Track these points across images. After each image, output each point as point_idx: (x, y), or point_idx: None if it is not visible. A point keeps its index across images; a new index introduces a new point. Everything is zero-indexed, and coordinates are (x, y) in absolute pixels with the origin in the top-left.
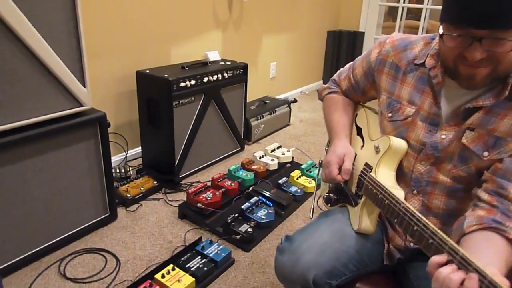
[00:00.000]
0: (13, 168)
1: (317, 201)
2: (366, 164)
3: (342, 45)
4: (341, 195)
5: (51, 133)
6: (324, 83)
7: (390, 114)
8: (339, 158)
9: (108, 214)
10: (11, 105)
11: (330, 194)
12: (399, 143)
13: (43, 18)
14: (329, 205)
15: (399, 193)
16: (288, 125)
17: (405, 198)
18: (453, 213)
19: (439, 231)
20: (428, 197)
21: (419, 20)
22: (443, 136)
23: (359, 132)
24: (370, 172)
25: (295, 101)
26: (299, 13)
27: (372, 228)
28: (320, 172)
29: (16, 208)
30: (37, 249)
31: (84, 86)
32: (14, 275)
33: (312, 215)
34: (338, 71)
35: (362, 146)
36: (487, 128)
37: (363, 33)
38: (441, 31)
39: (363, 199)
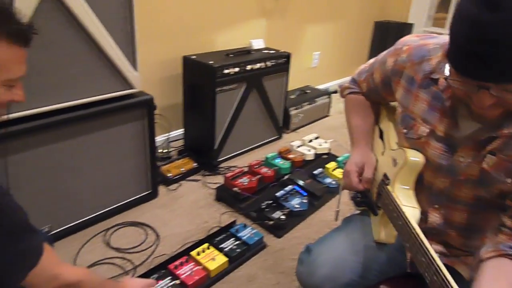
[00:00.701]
0: (68, 144)
1: (342, 202)
2: (385, 175)
3: (389, 37)
4: (364, 198)
5: (103, 113)
6: None
7: (405, 130)
8: (359, 167)
9: (150, 191)
10: (69, 85)
11: (357, 194)
12: (415, 159)
13: (101, 4)
14: (355, 205)
15: (413, 212)
16: (327, 116)
17: (426, 211)
18: (476, 228)
19: (443, 268)
20: (449, 211)
21: None
22: (461, 159)
23: (381, 135)
24: (388, 185)
25: (335, 92)
26: (347, 1)
27: (392, 239)
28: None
29: (69, 180)
30: (86, 218)
31: (135, 70)
32: (65, 240)
33: (337, 218)
34: (358, 70)
35: (383, 152)
36: (510, 154)
37: (411, 25)
38: (447, 71)
39: (382, 210)
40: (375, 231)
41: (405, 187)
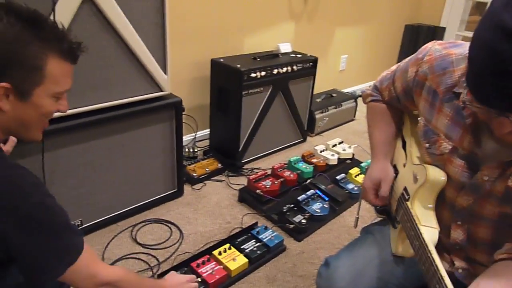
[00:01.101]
0: (100, 142)
1: (362, 207)
2: (405, 189)
3: (420, 41)
4: (383, 209)
5: (134, 114)
6: None
7: (427, 145)
8: (375, 184)
9: (176, 190)
10: (104, 87)
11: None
12: (437, 177)
13: (135, 10)
14: (375, 211)
15: (431, 233)
16: (352, 120)
17: (449, 227)
18: (501, 245)
19: None
20: (473, 227)
21: None
22: (485, 178)
23: (404, 145)
24: (407, 201)
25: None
26: (377, 4)
27: (410, 254)
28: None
29: (101, 177)
30: (114, 214)
31: (165, 73)
32: (94, 234)
33: (356, 225)
34: (380, 77)
35: (405, 164)
36: None
37: (444, 28)
38: (464, 94)
39: (400, 225)
40: (394, 244)
41: (425, 205)
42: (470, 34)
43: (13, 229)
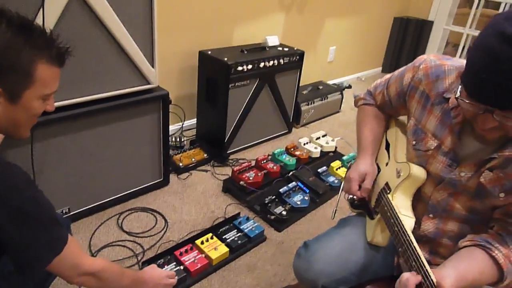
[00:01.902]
0: (89, 133)
1: (341, 200)
2: (387, 184)
3: (408, 33)
4: (362, 203)
5: (122, 106)
6: (383, 70)
7: (414, 142)
8: (360, 177)
9: (162, 179)
10: (93, 80)
11: (354, 197)
12: (419, 173)
13: (123, 6)
14: (352, 207)
15: (409, 222)
16: (338, 112)
17: (421, 220)
18: (464, 237)
19: (431, 273)
20: (443, 221)
21: (498, 9)
22: (462, 174)
23: (387, 147)
24: (389, 193)
25: (349, 86)
26: None
27: (383, 243)
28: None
29: (88, 165)
30: (102, 202)
31: (153, 67)
32: (81, 221)
33: (334, 216)
34: (374, 84)
35: (387, 163)
36: (506, 172)
37: (431, 22)
38: (458, 92)
39: (379, 215)
40: (369, 233)
41: (404, 197)
42: (457, 28)
43: (5, 221)
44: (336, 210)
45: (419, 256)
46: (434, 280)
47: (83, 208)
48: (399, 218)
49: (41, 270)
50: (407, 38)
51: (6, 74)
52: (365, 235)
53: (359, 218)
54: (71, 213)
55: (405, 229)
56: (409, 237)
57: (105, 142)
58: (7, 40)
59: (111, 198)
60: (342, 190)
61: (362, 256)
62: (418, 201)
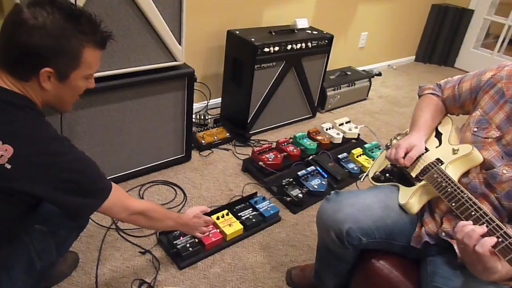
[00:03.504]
0: (116, 106)
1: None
2: (438, 159)
3: (446, 22)
4: (393, 176)
5: (148, 81)
6: (417, 59)
7: (475, 129)
8: (409, 146)
9: (184, 155)
10: (122, 55)
11: (380, 174)
12: (478, 156)
13: None
14: (376, 183)
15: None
16: (365, 99)
17: None
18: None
19: (495, 219)
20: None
21: None
22: (505, 171)
23: (437, 136)
24: (441, 165)
25: (379, 74)
26: None
27: (416, 209)
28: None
29: (114, 137)
30: (124, 173)
31: (180, 44)
32: None
33: (363, 179)
34: (445, 79)
35: (437, 146)
36: None
37: (472, 11)
38: None
39: (422, 183)
40: (404, 197)
41: (454, 172)
42: (499, 19)
43: (55, 182)
44: (367, 173)
45: (480, 207)
46: (499, 223)
47: (108, 178)
48: (454, 181)
49: (90, 215)
50: (445, 26)
51: (58, 57)
52: (393, 198)
53: (390, 186)
54: None
55: (461, 189)
56: (467, 193)
57: (131, 116)
58: (60, 28)
59: (134, 170)
60: (376, 159)
61: (390, 217)
62: (460, 180)
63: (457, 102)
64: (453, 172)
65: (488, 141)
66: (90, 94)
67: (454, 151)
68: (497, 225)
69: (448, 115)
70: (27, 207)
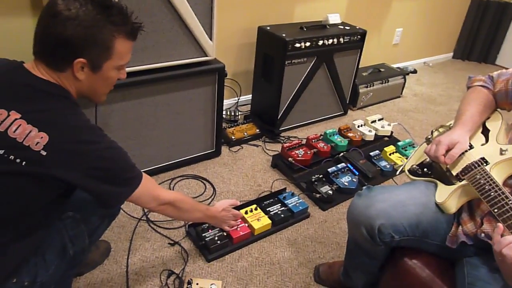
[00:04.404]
0: (148, 100)
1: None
2: (483, 158)
3: (486, 17)
4: (432, 171)
5: (180, 76)
6: (455, 56)
7: None
8: (451, 143)
9: (214, 150)
10: (154, 50)
11: (418, 168)
12: None
13: None
14: (412, 176)
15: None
16: (399, 97)
17: None
18: None
19: None
20: None
21: None
22: None
23: (485, 131)
24: (485, 166)
25: (414, 71)
26: None
27: (454, 209)
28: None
29: (146, 131)
30: (156, 166)
31: (211, 39)
32: None
33: (400, 172)
34: (499, 72)
35: (483, 144)
36: None
37: None
38: None
39: (462, 182)
40: (442, 196)
41: (499, 175)
42: None
43: (88, 170)
44: (403, 167)
45: None
46: None
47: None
48: (499, 185)
49: (121, 203)
50: (485, 22)
51: (91, 48)
52: (429, 195)
53: (426, 183)
54: None
55: (507, 193)
56: (511, 200)
57: (162, 110)
58: (92, 18)
59: (165, 163)
60: (415, 152)
61: (424, 214)
62: (504, 182)
63: (510, 97)
64: (499, 174)
65: None
66: (123, 88)
67: (502, 152)
68: None
69: (498, 110)
70: (61, 194)
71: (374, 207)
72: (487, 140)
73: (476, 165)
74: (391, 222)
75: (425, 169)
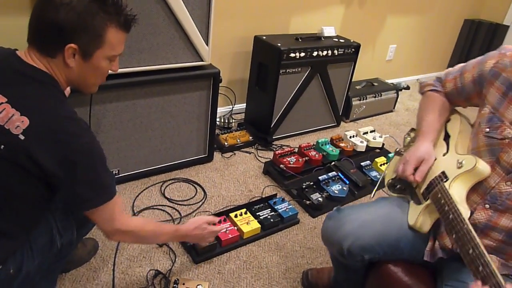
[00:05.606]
0: (142, 102)
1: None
2: (443, 173)
3: (478, 37)
4: (407, 187)
5: (175, 79)
6: None
7: (487, 130)
8: (418, 161)
9: (206, 155)
10: (150, 52)
11: (396, 182)
12: (484, 169)
13: None
14: (391, 191)
15: (465, 212)
16: (391, 111)
17: (474, 209)
18: None
19: (491, 262)
20: (498, 215)
21: None
22: None
23: (446, 138)
24: (445, 182)
25: (407, 87)
26: None
27: (426, 229)
28: (389, 162)
29: (139, 133)
30: (148, 169)
31: (207, 44)
32: (128, 184)
33: (374, 195)
34: (446, 71)
35: (445, 153)
36: None
37: (507, 27)
38: None
39: (428, 201)
40: (412, 217)
41: (461, 189)
42: None
43: (63, 160)
44: (377, 189)
45: (478, 245)
46: (495, 270)
47: (131, 172)
48: (456, 206)
49: (85, 210)
50: (477, 42)
51: (82, 34)
52: (401, 212)
53: (400, 200)
54: (120, 175)
55: (463, 217)
56: (466, 225)
57: (156, 112)
58: (86, 5)
59: (157, 166)
60: (386, 171)
61: (393, 231)
62: (476, 189)
63: (462, 95)
64: (459, 189)
65: (505, 142)
66: (118, 89)
67: (459, 164)
68: (490, 271)
69: (456, 109)
70: (45, 187)
71: (342, 229)
72: (448, 149)
73: (437, 182)
74: (359, 244)
75: (399, 186)
